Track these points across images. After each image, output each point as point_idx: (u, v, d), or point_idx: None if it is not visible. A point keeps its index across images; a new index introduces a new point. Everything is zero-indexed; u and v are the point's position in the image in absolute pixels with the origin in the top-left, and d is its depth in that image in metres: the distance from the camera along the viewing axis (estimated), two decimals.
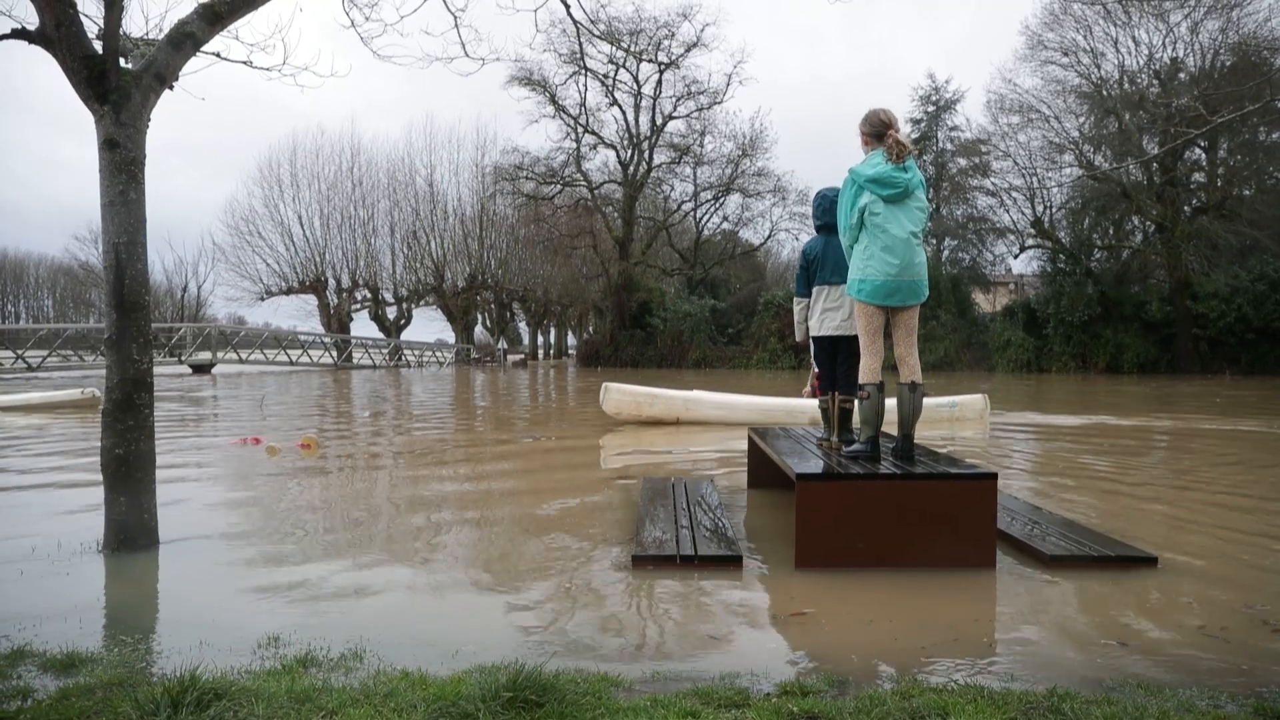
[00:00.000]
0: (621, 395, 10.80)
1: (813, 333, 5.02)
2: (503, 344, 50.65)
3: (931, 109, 35.64)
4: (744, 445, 6.37)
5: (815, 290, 4.94)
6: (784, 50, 78.11)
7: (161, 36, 4.21)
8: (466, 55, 6.15)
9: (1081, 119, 31.85)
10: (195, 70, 4.42)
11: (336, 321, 45.03)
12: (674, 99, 37.86)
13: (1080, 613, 3.28)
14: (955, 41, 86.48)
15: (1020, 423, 11.60)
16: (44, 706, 2.27)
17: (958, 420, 11.51)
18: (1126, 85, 30.53)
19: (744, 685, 2.49)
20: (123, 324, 4.00)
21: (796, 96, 78.48)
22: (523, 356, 48.98)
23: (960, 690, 2.43)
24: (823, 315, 4.88)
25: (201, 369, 30.60)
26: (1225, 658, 2.78)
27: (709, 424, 10.66)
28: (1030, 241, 34.33)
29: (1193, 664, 2.73)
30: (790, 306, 34.37)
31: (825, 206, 4.87)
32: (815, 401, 10.93)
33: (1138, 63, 30.54)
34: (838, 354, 4.89)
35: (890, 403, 4.37)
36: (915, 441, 4.34)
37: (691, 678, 2.57)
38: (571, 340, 59.50)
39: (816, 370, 5.15)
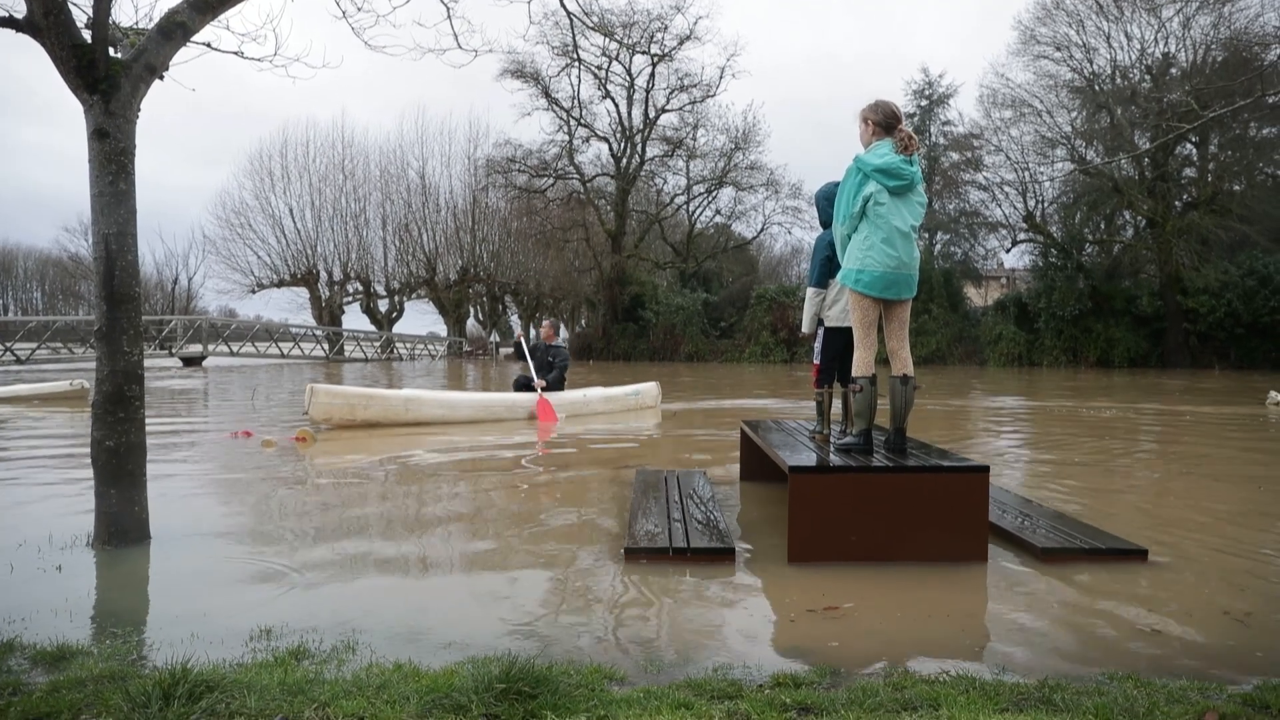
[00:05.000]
0: (330, 398, 9.21)
1: (833, 323, 4.91)
2: (495, 337, 50.52)
3: (924, 103, 35.61)
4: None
5: (835, 281, 4.80)
6: (786, 26, 77.68)
7: (152, 26, 4.17)
8: (460, 47, 6.13)
9: (1073, 113, 31.92)
10: (185, 60, 4.38)
11: (328, 314, 44.86)
12: (667, 92, 37.71)
13: (1071, 605, 3.29)
14: (969, 21, 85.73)
15: (1013, 407, 11.67)
16: (35, 700, 2.26)
17: (641, 408, 11.85)
18: (1118, 80, 30.59)
19: (737, 677, 2.50)
20: (113, 316, 3.97)
21: (799, 75, 78.13)
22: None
23: (952, 681, 2.44)
24: (847, 306, 4.71)
25: (192, 361, 30.47)
26: (1216, 648, 2.80)
27: (432, 424, 9.64)
28: (1022, 236, 34.41)
29: (1184, 654, 2.75)
30: (784, 299, 33.72)
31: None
32: (530, 396, 10.76)
33: (1130, 58, 30.63)
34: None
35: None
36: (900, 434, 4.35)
37: (685, 669, 2.58)
38: (564, 333, 59.36)
39: (816, 363, 5.13)
